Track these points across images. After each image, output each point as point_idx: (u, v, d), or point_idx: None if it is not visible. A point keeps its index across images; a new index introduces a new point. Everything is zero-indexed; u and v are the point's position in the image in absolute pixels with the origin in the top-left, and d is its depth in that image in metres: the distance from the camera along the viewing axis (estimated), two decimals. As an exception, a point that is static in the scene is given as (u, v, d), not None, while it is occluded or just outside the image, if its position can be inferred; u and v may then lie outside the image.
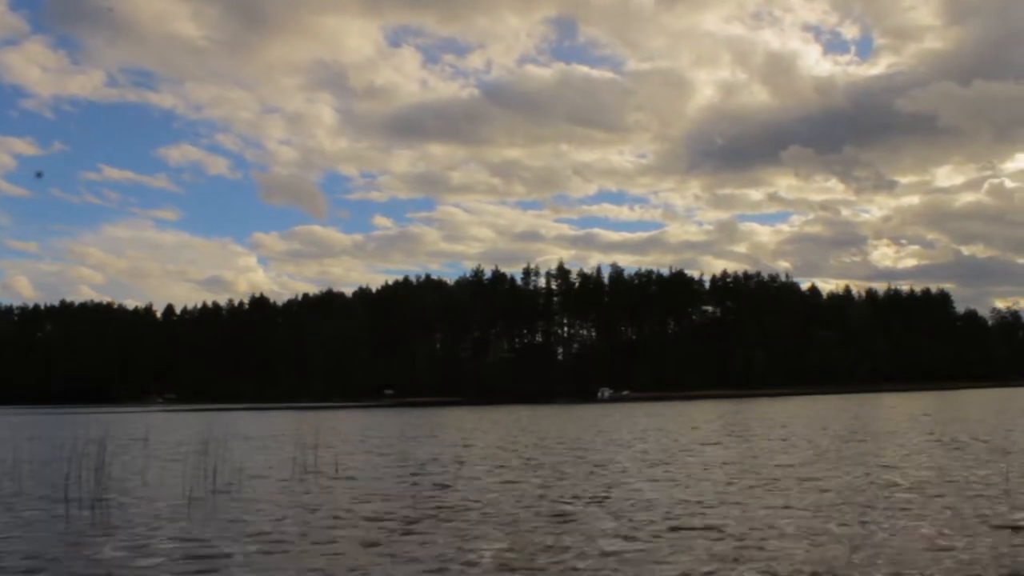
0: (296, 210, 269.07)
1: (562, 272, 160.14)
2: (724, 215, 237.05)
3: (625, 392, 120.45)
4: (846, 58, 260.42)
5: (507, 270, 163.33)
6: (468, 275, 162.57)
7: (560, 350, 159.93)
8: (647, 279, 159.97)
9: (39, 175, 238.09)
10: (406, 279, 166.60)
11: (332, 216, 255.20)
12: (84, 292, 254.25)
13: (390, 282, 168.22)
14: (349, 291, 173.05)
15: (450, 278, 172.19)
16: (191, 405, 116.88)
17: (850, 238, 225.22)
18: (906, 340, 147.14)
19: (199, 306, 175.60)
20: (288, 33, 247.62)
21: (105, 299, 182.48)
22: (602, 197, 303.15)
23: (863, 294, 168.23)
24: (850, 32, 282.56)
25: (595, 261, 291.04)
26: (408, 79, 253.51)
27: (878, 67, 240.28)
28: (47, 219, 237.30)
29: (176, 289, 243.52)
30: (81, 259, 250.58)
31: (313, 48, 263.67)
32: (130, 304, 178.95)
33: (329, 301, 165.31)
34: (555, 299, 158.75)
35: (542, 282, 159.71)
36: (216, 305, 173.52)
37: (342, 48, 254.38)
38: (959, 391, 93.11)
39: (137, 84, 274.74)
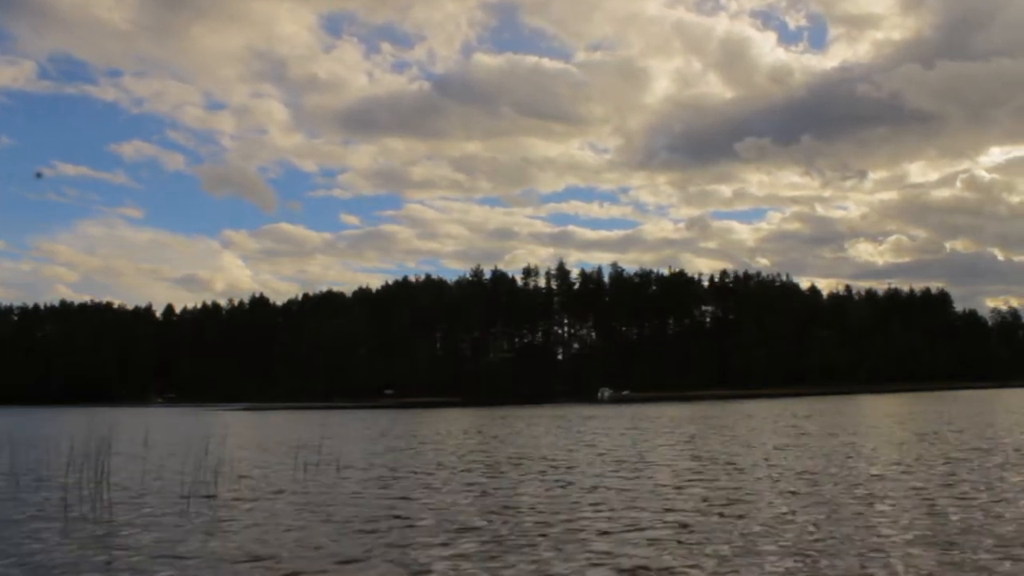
0: (256, 207, 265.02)
1: (562, 272, 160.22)
2: (696, 212, 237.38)
3: (625, 392, 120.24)
4: (801, 46, 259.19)
5: (486, 267, 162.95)
6: (467, 275, 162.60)
7: (560, 350, 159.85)
8: (647, 279, 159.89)
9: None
10: (405, 279, 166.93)
11: (296, 213, 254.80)
12: (59, 291, 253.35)
13: (390, 282, 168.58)
14: (333, 289, 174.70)
15: (428, 276, 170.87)
16: (190, 405, 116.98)
17: (829, 235, 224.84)
18: (906, 340, 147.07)
19: (199, 306, 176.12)
20: (214, 18, 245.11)
21: (87, 298, 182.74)
22: (571, 194, 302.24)
23: (862, 294, 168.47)
24: (802, 20, 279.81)
25: (574, 259, 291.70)
26: (352, 71, 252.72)
27: (838, 56, 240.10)
28: (11, 216, 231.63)
29: (154, 288, 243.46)
30: (51, 257, 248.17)
31: (246, 35, 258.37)
32: (115, 302, 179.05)
33: (329, 301, 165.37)
34: (555, 299, 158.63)
35: (542, 282, 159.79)
36: (216, 305, 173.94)
37: (276, 36, 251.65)
38: (957, 392, 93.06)
39: (72, 77, 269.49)
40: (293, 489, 15.36)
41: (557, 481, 15.82)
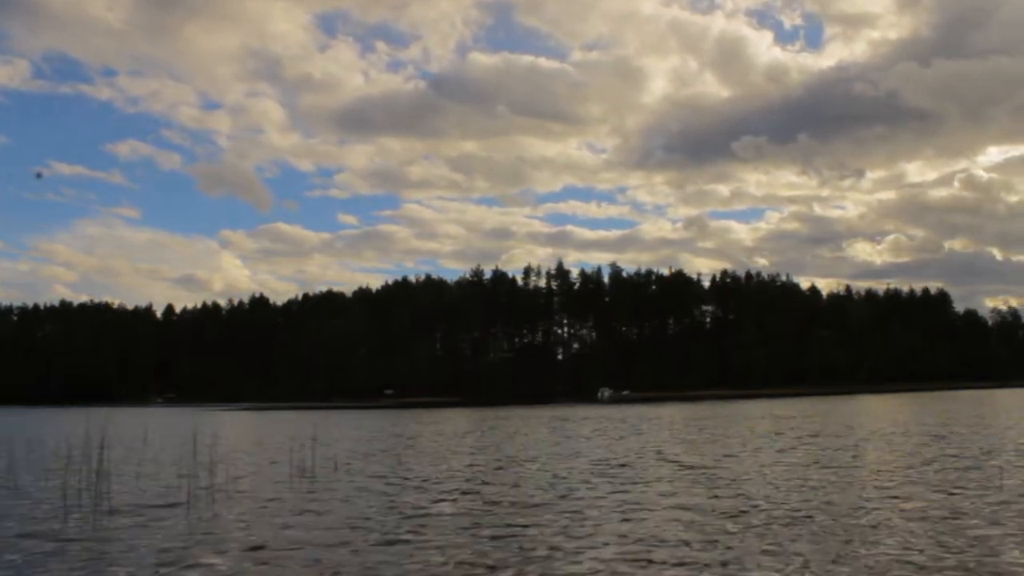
0: (253, 207, 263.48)
1: (562, 272, 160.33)
2: (694, 211, 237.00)
3: (625, 392, 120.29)
4: (797, 45, 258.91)
5: (485, 267, 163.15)
6: (467, 275, 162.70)
7: (560, 350, 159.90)
8: (647, 279, 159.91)
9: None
10: (405, 279, 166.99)
11: (293, 213, 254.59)
12: (58, 291, 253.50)
13: (389, 282, 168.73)
14: (332, 289, 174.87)
15: (428, 276, 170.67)
16: (190, 405, 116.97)
17: (827, 235, 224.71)
18: (906, 340, 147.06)
19: (198, 306, 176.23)
20: (208, 17, 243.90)
21: (86, 298, 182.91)
22: (568, 194, 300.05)
23: (862, 294, 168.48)
24: (798, 19, 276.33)
25: (571, 259, 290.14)
26: (348, 71, 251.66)
27: (834, 55, 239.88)
28: (9, 216, 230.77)
29: (152, 288, 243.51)
30: (50, 257, 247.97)
31: (240, 34, 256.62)
32: (115, 302, 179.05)
33: (329, 301, 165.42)
34: (555, 299, 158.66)
35: (542, 282, 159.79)
36: (216, 305, 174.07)
37: (270, 35, 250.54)
38: (957, 392, 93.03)
39: (67, 76, 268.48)
40: (289, 488, 15.38)
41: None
